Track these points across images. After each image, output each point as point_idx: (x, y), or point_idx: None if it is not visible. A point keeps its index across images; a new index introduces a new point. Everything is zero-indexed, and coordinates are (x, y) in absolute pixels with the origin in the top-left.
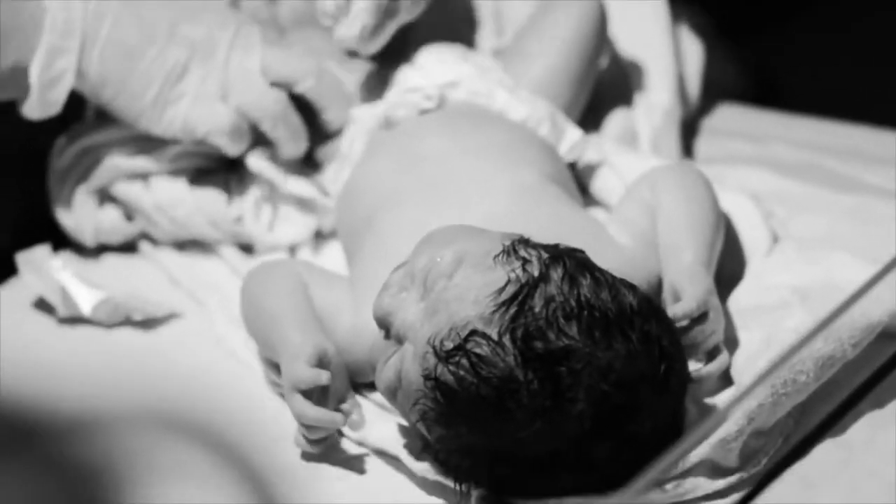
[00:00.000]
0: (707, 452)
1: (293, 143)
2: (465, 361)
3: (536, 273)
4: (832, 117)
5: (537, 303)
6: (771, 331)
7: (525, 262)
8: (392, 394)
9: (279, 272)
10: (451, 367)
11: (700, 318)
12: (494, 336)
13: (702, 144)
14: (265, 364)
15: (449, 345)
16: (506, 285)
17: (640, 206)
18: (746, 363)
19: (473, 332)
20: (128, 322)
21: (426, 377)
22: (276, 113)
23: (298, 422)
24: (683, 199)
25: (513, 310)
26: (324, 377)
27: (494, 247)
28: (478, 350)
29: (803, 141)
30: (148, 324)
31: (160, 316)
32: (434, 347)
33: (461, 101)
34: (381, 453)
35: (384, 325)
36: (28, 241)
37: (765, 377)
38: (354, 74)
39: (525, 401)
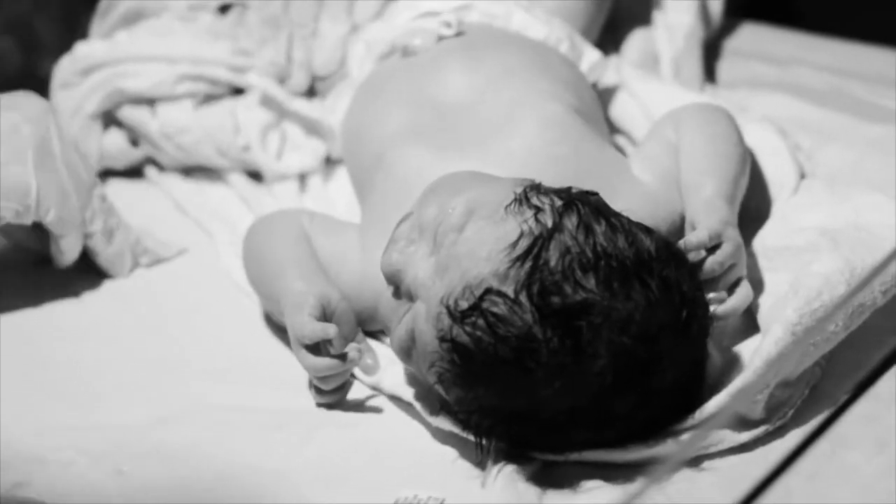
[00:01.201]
0: (727, 403)
1: None
2: (481, 321)
3: (550, 223)
4: (853, 39)
5: (552, 256)
6: (798, 274)
7: (538, 211)
8: (406, 354)
9: (281, 223)
10: (468, 328)
11: (714, 248)
12: (511, 294)
13: (724, 67)
14: (272, 315)
15: (464, 304)
16: (519, 238)
17: (663, 144)
18: (773, 309)
19: (488, 291)
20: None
21: (441, 339)
22: None
23: (309, 374)
24: (707, 137)
25: (528, 265)
26: (330, 331)
27: (506, 195)
28: (494, 309)
29: (827, 65)
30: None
31: (169, 256)
32: (448, 307)
33: (477, 23)
34: (396, 399)
35: (394, 281)
36: None
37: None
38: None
39: (545, 359)
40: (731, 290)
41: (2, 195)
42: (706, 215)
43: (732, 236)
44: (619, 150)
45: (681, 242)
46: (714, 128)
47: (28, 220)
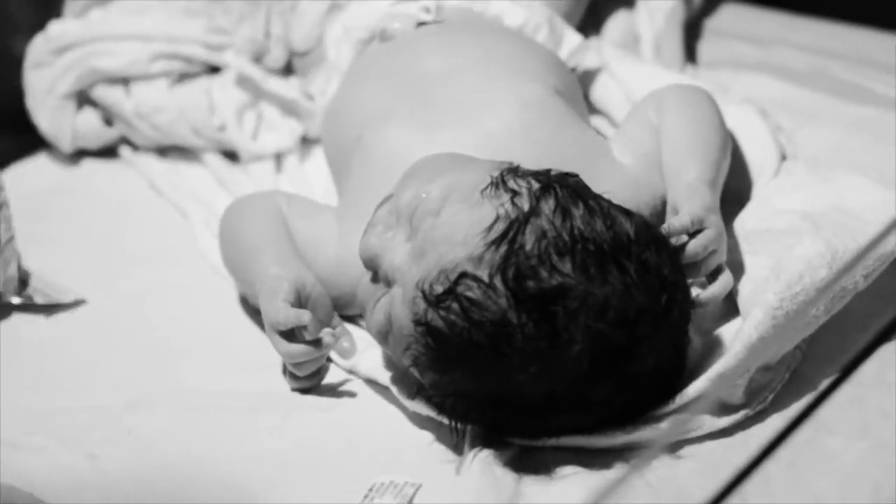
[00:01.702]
0: (707, 388)
1: None
2: (455, 306)
3: (526, 207)
4: (835, 19)
5: (528, 239)
6: (780, 258)
7: (514, 194)
8: (383, 337)
9: (257, 206)
10: (442, 312)
11: (696, 234)
12: (485, 278)
13: (705, 47)
14: (246, 298)
15: (438, 289)
16: (495, 222)
17: (644, 126)
18: (753, 293)
19: (463, 275)
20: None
21: (416, 322)
22: None
23: (284, 360)
24: (688, 120)
25: (503, 249)
26: (304, 318)
27: (482, 179)
28: (468, 293)
29: (809, 45)
30: (130, 235)
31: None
32: (423, 291)
33: (456, 7)
34: (372, 383)
35: (371, 266)
36: (7, 144)
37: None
38: None
39: (520, 344)
40: (711, 276)
41: None
42: (689, 200)
43: (715, 222)
44: (599, 132)
45: (663, 227)
46: (695, 110)
47: None
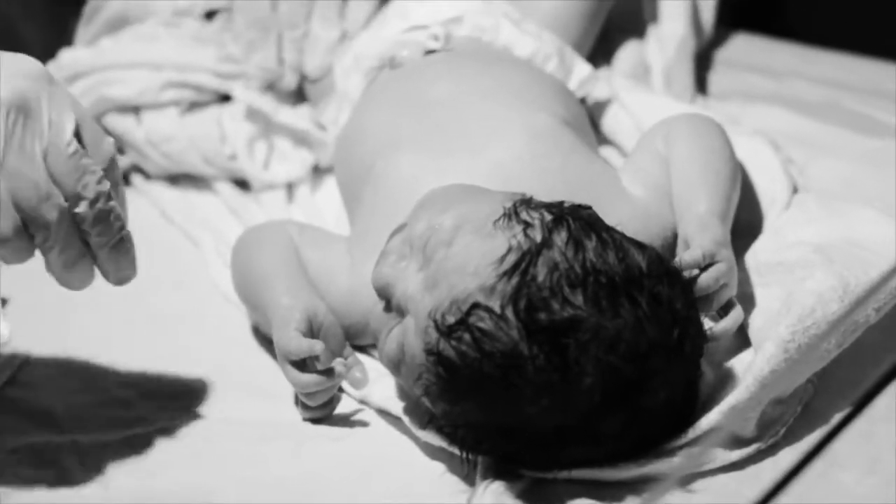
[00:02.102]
0: (719, 421)
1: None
2: (467, 336)
3: (539, 238)
4: (847, 51)
5: (540, 271)
6: (791, 290)
7: (527, 226)
8: (395, 367)
9: (269, 235)
10: (454, 342)
11: (708, 267)
12: (497, 309)
13: (716, 78)
14: (258, 327)
15: (450, 319)
16: (507, 253)
17: (653, 156)
18: (765, 325)
19: (475, 306)
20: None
21: (428, 352)
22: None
23: (296, 390)
24: (698, 150)
25: (515, 280)
26: (316, 348)
27: (495, 210)
28: (480, 324)
29: (822, 77)
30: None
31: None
32: (435, 321)
33: (466, 37)
34: (384, 413)
35: (384, 295)
36: None
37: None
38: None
39: (531, 376)
40: (722, 310)
41: None
42: (700, 234)
43: (726, 256)
44: (609, 162)
45: (674, 261)
46: (705, 139)
47: None
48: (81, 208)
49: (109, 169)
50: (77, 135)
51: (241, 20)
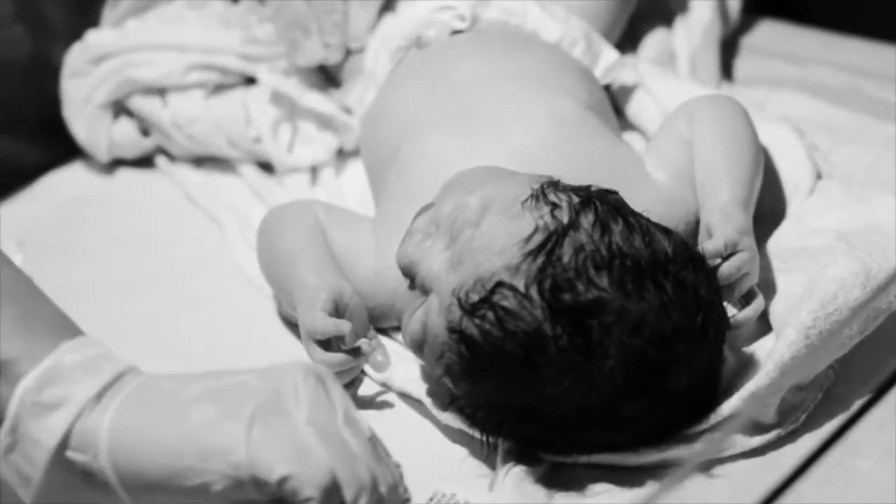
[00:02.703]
0: (739, 407)
1: None
2: (490, 315)
3: (566, 220)
4: (871, 38)
5: (566, 252)
6: (813, 277)
7: (554, 207)
8: (418, 347)
9: (295, 215)
10: (477, 321)
11: (730, 256)
12: (521, 288)
13: (741, 64)
14: (283, 309)
15: (474, 297)
16: (533, 233)
17: (676, 140)
18: (787, 311)
19: (500, 284)
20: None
21: (451, 330)
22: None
23: None
24: (721, 134)
25: (540, 259)
26: (343, 327)
27: (522, 191)
28: (504, 303)
29: (846, 64)
30: (165, 245)
31: None
32: (459, 299)
33: (493, 19)
34: (405, 396)
35: (409, 274)
36: (43, 152)
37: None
38: None
39: (553, 356)
40: (744, 298)
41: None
42: (723, 223)
43: (748, 245)
44: (632, 147)
45: (697, 249)
46: (728, 122)
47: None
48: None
49: (395, 486)
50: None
51: (283, 22)
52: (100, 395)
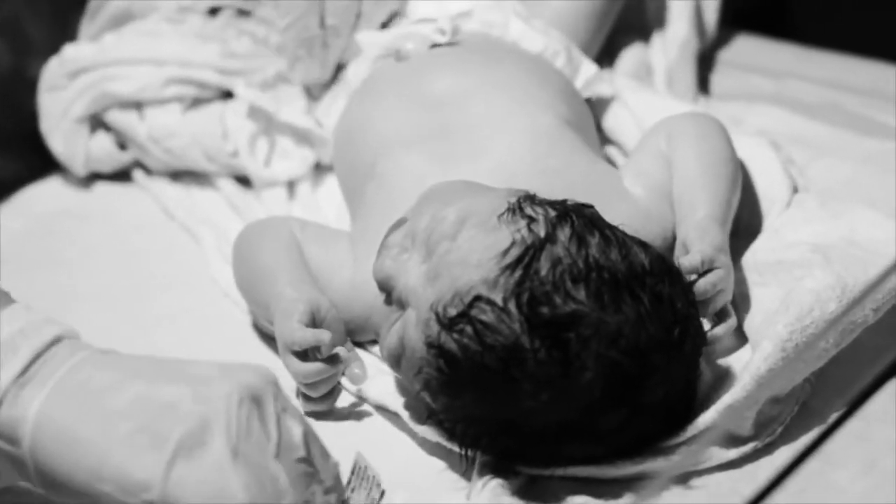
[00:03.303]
0: (716, 419)
1: None
2: (468, 329)
3: (543, 233)
4: (848, 52)
5: (543, 265)
6: (789, 290)
7: (531, 220)
8: (396, 361)
9: (271, 230)
10: (455, 335)
11: (706, 273)
12: (499, 301)
13: (718, 78)
14: (259, 321)
15: (452, 311)
16: (510, 247)
17: (655, 156)
18: (763, 324)
19: (477, 298)
20: (120, 257)
21: (429, 345)
22: None
23: (297, 381)
24: (699, 151)
25: (518, 273)
26: (323, 336)
27: (499, 205)
28: (482, 317)
29: (823, 78)
30: (142, 259)
31: None
32: (437, 314)
33: (474, 32)
34: (381, 409)
35: (385, 288)
36: (20, 166)
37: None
38: None
39: (532, 369)
40: (717, 315)
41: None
42: (699, 239)
43: (724, 262)
44: (611, 162)
45: (676, 266)
46: (707, 141)
47: None
48: None
49: (333, 488)
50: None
51: (292, 37)
52: (26, 375)
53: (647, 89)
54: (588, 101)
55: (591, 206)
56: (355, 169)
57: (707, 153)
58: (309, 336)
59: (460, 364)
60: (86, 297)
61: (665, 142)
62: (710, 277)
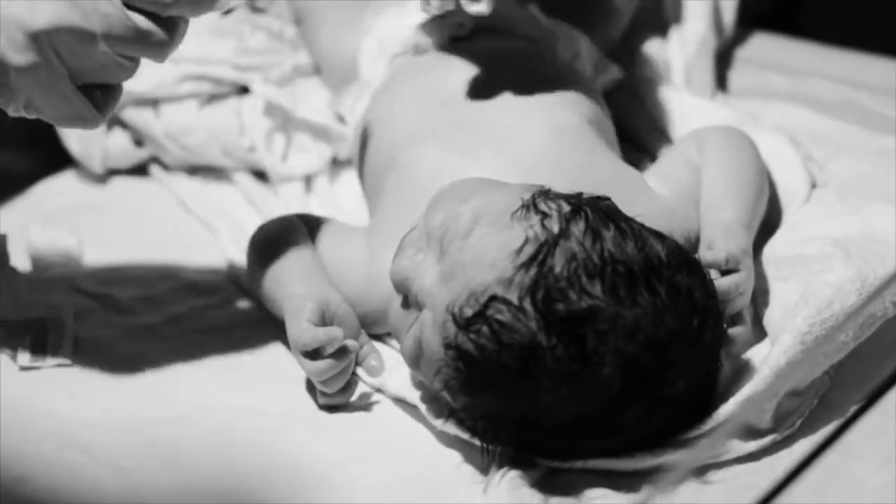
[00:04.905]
0: (735, 411)
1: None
2: (485, 329)
3: (556, 229)
4: (865, 50)
5: (558, 262)
6: (809, 283)
7: (544, 216)
8: (415, 362)
9: (284, 229)
10: (472, 335)
11: (728, 273)
12: (514, 300)
13: (736, 76)
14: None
15: (468, 312)
16: (524, 245)
17: (684, 162)
18: (783, 317)
19: (493, 298)
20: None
21: (446, 346)
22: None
23: (312, 379)
24: (728, 161)
25: (532, 271)
26: (335, 333)
27: (513, 202)
28: (498, 316)
29: (839, 76)
30: (159, 252)
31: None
32: (453, 315)
33: (492, 26)
34: (400, 401)
35: (402, 290)
36: (38, 164)
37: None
38: None
39: (550, 366)
40: (732, 319)
41: None
42: (725, 239)
43: (748, 265)
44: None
45: (695, 256)
46: (738, 152)
47: None
48: None
49: None
50: None
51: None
52: None
53: (665, 85)
54: (608, 99)
55: (608, 199)
56: (375, 163)
57: (737, 163)
58: (320, 335)
59: (478, 364)
60: (102, 289)
61: (696, 150)
62: (733, 278)
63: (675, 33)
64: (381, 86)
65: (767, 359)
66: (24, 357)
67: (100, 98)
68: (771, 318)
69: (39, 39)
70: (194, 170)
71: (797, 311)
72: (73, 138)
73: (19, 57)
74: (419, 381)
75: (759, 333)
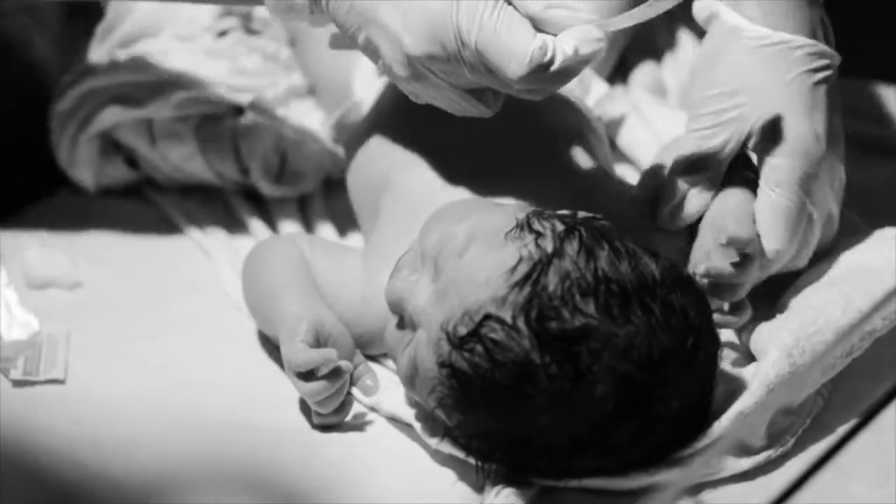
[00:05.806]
0: (727, 427)
1: None
2: (479, 348)
3: (550, 248)
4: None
5: (551, 280)
6: (791, 304)
7: (538, 236)
8: (410, 381)
9: (278, 249)
10: (466, 354)
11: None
12: (508, 319)
13: None
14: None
15: (462, 330)
16: (518, 263)
17: None
18: (768, 334)
19: (487, 317)
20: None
21: (440, 364)
22: None
23: (306, 399)
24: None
25: (526, 290)
26: (330, 354)
27: (507, 221)
28: (492, 335)
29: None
30: (150, 274)
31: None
32: (447, 333)
33: None
34: (394, 420)
35: (397, 310)
36: (31, 182)
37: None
38: None
39: (543, 385)
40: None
41: None
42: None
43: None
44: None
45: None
46: None
47: None
48: None
49: None
50: None
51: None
52: None
53: (663, 104)
54: (599, 119)
55: (602, 218)
56: (370, 183)
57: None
58: (314, 356)
59: (472, 382)
60: (96, 307)
61: None
62: (746, 269)
63: (668, 57)
64: (374, 105)
65: (756, 374)
66: (17, 372)
67: (490, 98)
68: (758, 338)
69: (412, 63)
70: (188, 190)
71: (782, 324)
72: (67, 158)
73: (402, 71)
74: (414, 401)
75: (748, 358)
